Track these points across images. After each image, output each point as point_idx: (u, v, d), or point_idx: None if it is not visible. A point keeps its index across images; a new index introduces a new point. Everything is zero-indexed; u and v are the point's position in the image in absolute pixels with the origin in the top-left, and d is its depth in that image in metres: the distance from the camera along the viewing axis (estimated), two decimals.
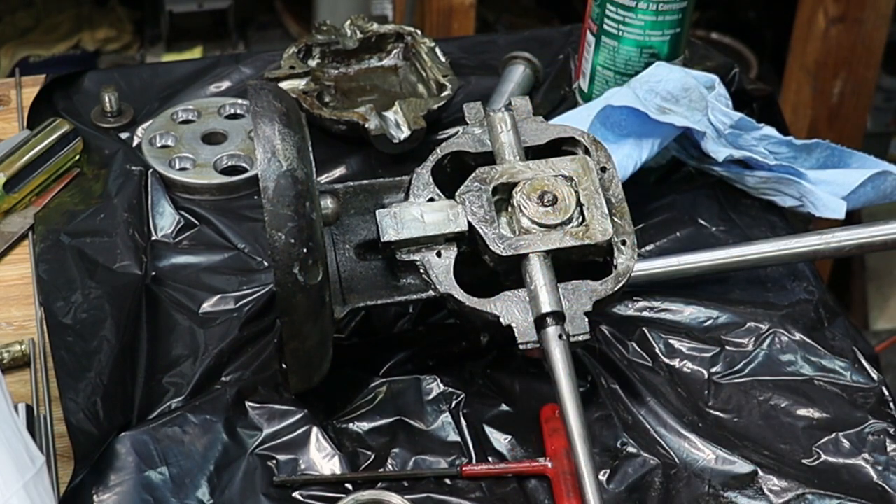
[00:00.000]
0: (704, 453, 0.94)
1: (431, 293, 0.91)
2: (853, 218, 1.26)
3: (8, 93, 1.27)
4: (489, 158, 0.94)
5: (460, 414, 0.96)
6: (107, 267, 1.04)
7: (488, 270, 0.92)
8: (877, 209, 1.61)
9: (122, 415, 0.93)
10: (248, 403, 0.95)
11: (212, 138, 1.20)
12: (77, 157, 1.16)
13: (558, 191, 0.91)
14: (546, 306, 0.87)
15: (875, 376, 1.01)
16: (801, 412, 0.98)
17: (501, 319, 0.88)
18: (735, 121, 1.12)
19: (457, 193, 0.92)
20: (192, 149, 1.18)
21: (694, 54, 1.26)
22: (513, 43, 1.35)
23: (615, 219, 0.92)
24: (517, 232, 0.90)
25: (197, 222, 1.12)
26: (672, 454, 0.94)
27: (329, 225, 0.94)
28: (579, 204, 0.91)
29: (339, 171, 1.18)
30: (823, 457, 0.95)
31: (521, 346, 0.88)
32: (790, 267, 1.09)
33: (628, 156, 1.10)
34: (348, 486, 0.91)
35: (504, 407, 0.98)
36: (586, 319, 0.88)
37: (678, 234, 1.12)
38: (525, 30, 1.54)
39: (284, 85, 1.20)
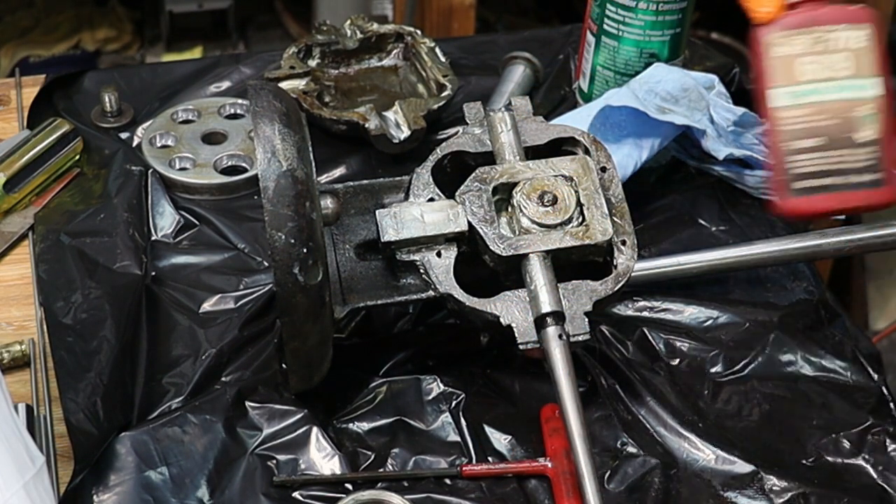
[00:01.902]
0: (704, 453, 0.94)
1: (431, 293, 0.91)
2: (853, 218, 1.26)
3: (8, 93, 1.27)
4: (489, 158, 0.94)
5: (460, 414, 0.96)
6: (107, 267, 1.04)
7: (488, 270, 0.92)
8: None
9: (122, 415, 0.93)
10: (248, 403, 0.95)
11: (212, 138, 1.20)
12: (77, 157, 1.16)
13: (558, 191, 0.91)
14: (546, 306, 0.87)
15: (875, 376, 1.01)
16: (801, 412, 0.98)
17: (501, 319, 0.88)
18: (738, 116, 1.12)
19: (457, 193, 0.92)
20: (192, 149, 1.18)
21: (694, 54, 1.27)
22: (513, 43, 1.35)
23: (615, 219, 0.92)
24: (517, 232, 0.90)
25: (197, 222, 1.12)
26: (672, 454, 0.94)
27: (329, 225, 0.94)
28: (579, 204, 0.91)
29: (339, 171, 1.18)
30: (823, 457, 0.95)
31: (521, 346, 0.88)
32: (790, 267, 1.09)
33: (628, 156, 1.10)
34: (348, 486, 0.91)
35: (504, 407, 0.98)
36: (586, 319, 0.88)
37: (678, 234, 1.12)
38: (525, 30, 1.53)
39: (284, 85, 1.20)
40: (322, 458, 0.92)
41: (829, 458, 0.95)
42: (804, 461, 0.95)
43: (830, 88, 0.77)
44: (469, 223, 0.90)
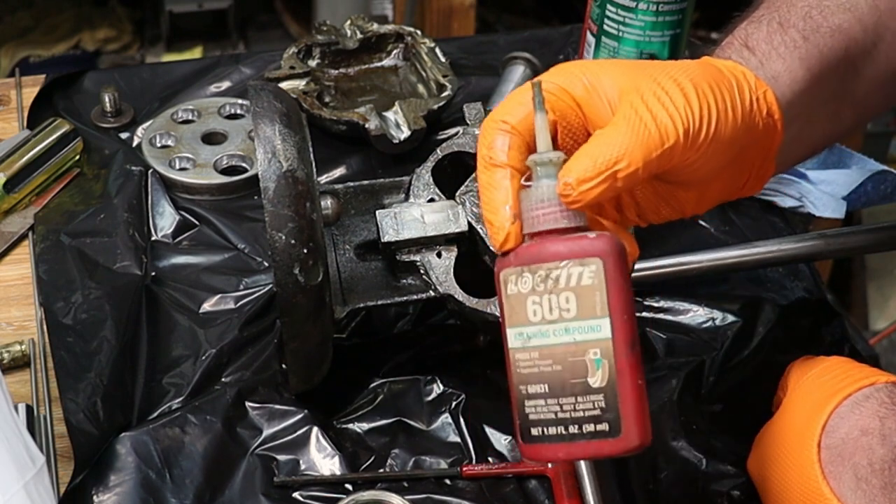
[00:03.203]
0: (700, 454, 0.94)
1: (431, 294, 0.91)
2: (853, 218, 1.26)
3: (8, 93, 1.27)
4: None
5: (460, 414, 0.96)
6: (107, 267, 1.04)
7: (488, 270, 0.92)
8: (877, 209, 1.61)
9: (122, 415, 0.93)
10: (248, 403, 0.95)
11: (212, 138, 1.20)
12: (77, 157, 1.16)
13: None
14: None
15: None
16: None
17: None
18: None
19: (457, 194, 0.92)
20: (192, 149, 1.18)
21: (694, 54, 1.26)
22: (513, 43, 1.35)
23: None
24: None
25: (197, 222, 1.12)
26: (671, 454, 0.94)
27: (329, 225, 0.94)
28: None
29: (339, 171, 1.18)
30: None
31: None
32: (790, 267, 1.09)
33: None
34: (348, 486, 0.91)
35: (504, 407, 0.97)
36: None
37: (679, 234, 1.12)
38: (525, 30, 1.54)
39: (284, 85, 1.20)
40: (322, 459, 0.92)
41: None
42: None
43: (556, 331, 0.69)
44: (469, 223, 0.90)
